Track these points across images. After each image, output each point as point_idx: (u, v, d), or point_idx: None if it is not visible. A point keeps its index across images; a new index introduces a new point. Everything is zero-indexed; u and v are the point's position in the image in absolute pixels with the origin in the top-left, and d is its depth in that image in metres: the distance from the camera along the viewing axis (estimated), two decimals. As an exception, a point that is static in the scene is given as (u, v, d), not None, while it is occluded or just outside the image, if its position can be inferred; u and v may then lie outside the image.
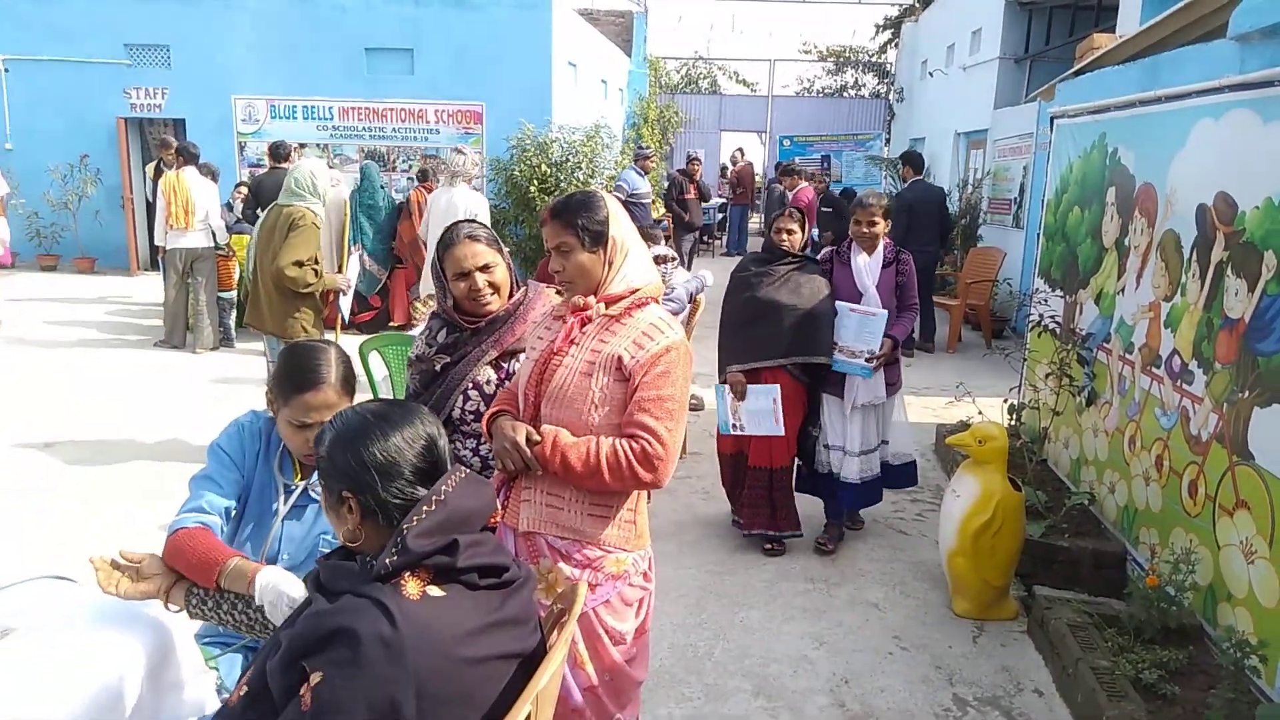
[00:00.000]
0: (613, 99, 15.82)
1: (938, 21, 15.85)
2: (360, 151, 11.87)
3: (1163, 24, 4.20)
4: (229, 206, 8.93)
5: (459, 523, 1.44)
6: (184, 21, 11.79)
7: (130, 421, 5.76)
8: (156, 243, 7.86)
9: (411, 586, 1.38)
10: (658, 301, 2.02)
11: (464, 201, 6.52)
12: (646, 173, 10.51)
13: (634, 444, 1.89)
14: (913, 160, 9.28)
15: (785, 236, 4.12)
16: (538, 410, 1.99)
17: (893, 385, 4.24)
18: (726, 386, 4.02)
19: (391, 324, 8.76)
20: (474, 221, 2.36)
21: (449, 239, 2.31)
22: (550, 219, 1.96)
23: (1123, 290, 4.28)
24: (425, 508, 1.42)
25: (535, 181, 10.76)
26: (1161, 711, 2.84)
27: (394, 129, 11.83)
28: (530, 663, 1.50)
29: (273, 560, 2.10)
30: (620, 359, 1.93)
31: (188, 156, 7.81)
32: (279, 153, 8.25)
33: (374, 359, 4.24)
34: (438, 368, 2.35)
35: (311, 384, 1.98)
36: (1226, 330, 3.25)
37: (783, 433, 3.95)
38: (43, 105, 11.94)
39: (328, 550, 2.03)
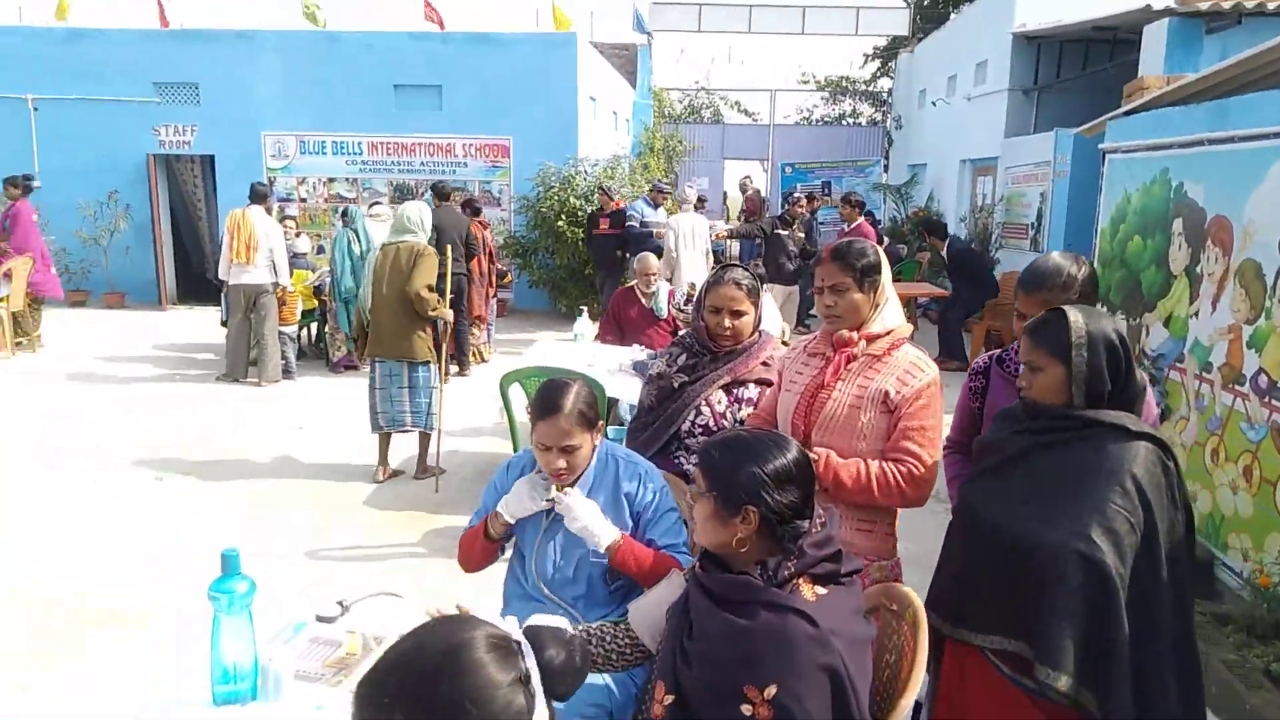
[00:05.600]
0: (621, 130, 16.22)
1: (936, 53, 16.42)
2: (389, 185, 12.13)
3: (1226, 70, 4.58)
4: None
5: (835, 535, 1.71)
6: (213, 60, 12.03)
7: (223, 452, 5.94)
8: (221, 277, 8.00)
9: (806, 591, 1.64)
10: (910, 341, 2.31)
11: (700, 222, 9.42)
12: (659, 205, 10.81)
13: (900, 467, 2.18)
14: (938, 229, 9.76)
15: (1030, 376, 2.01)
16: (807, 438, 2.26)
17: None
18: None
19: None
20: (747, 269, 2.68)
21: (718, 277, 2.67)
22: (831, 260, 2.26)
23: (1196, 314, 4.63)
24: (812, 526, 1.68)
25: (564, 215, 11.06)
26: (1296, 699, 3.13)
27: (422, 163, 12.11)
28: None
29: (543, 572, 2.35)
30: (887, 394, 2.21)
31: (254, 196, 8.00)
32: (442, 191, 8.38)
33: (514, 389, 4.49)
34: (675, 385, 2.65)
35: (550, 413, 2.23)
36: (1322, 351, 3.53)
37: None
38: (71, 143, 12.10)
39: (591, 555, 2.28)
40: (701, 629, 1.67)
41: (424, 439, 5.53)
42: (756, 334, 2.74)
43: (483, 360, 8.81)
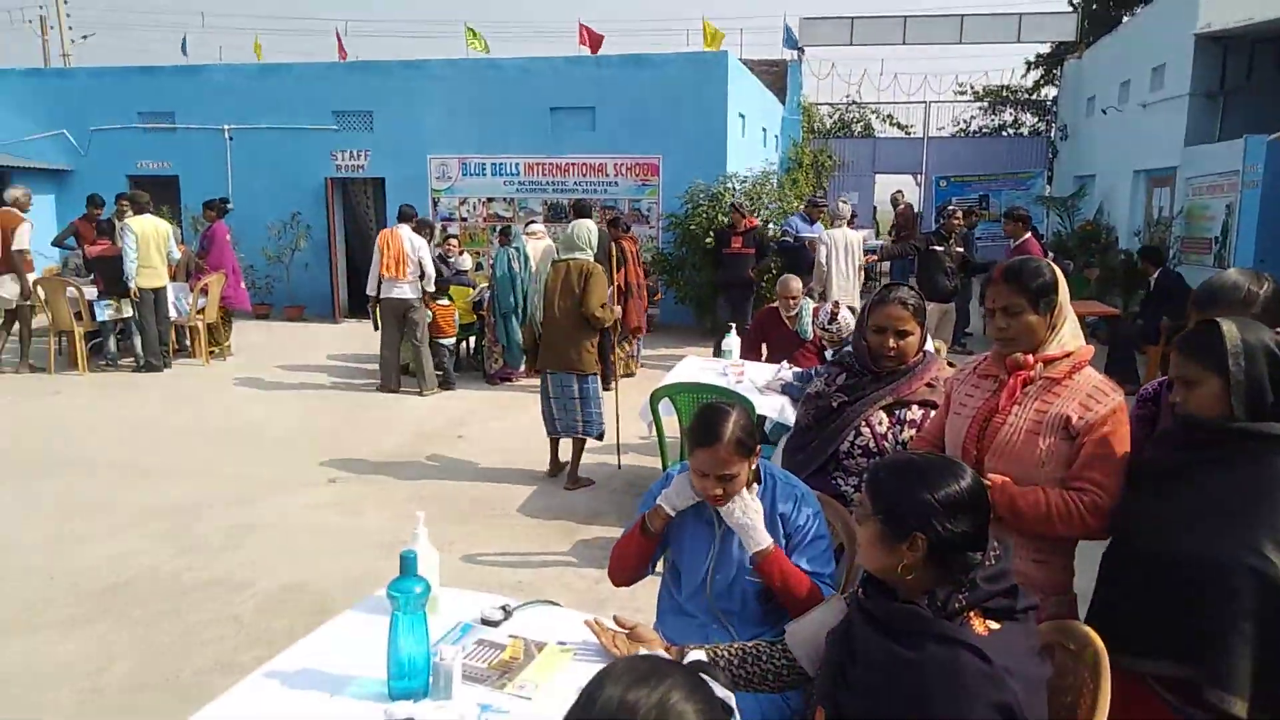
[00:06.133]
0: (769, 145, 16.16)
1: (1107, 58, 15.53)
2: (544, 205, 12.54)
3: None
4: (443, 258, 9.56)
5: (1010, 569, 1.63)
6: (385, 89, 12.83)
7: (387, 456, 6.30)
8: (370, 292, 8.43)
9: (977, 624, 1.58)
10: (1089, 364, 2.18)
11: (854, 237, 9.39)
12: (814, 220, 10.65)
13: (1084, 496, 2.05)
14: (1154, 254, 8.90)
15: (1184, 391, 1.93)
16: (979, 463, 2.18)
17: None
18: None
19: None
20: (912, 288, 2.63)
21: (883, 296, 2.62)
22: (1002, 280, 2.17)
23: None
24: (986, 560, 1.61)
25: (713, 233, 11.07)
26: None
27: (575, 182, 12.46)
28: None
29: (700, 584, 2.36)
30: (1069, 419, 2.09)
31: (402, 216, 8.43)
32: (583, 209, 8.48)
33: (663, 405, 4.55)
34: (834, 404, 2.61)
35: (709, 442, 2.23)
36: None
37: None
38: (260, 169, 13.18)
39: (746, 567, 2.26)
40: (865, 657, 1.63)
41: (578, 449, 5.72)
42: (921, 354, 2.67)
43: (628, 374, 8.94)
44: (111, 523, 5.03)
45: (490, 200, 12.82)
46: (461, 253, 9.81)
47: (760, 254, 9.59)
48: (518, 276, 8.20)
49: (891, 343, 2.60)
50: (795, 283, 6.08)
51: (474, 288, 9.43)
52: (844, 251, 9.24)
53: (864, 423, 2.62)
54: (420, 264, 8.20)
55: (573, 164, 12.42)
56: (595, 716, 1.09)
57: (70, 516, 5.12)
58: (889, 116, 21.62)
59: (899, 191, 16.39)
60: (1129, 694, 1.87)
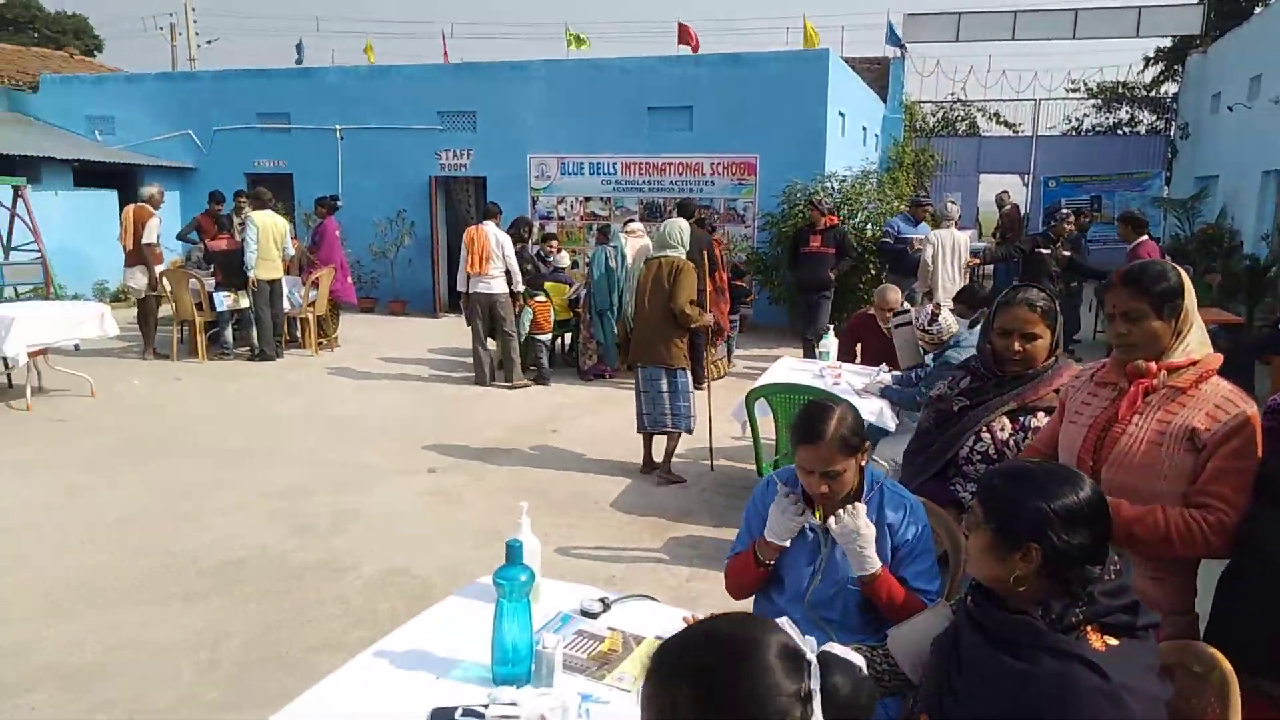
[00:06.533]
0: (869, 144, 15.86)
1: (1235, 52, 14.68)
2: (640, 204, 12.61)
3: None
4: (540, 256, 9.73)
5: (1130, 584, 1.57)
6: (488, 90, 13.12)
7: (481, 444, 6.44)
8: (459, 289, 8.57)
9: (1094, 640, 1.52)
10: (1216, 373, 2.08)
11: (961, 238, 9.20)
12: (919, 220, 10.37)
13: (1209, 515, 1.95)
14: None
15: None
16: (1096, 475, 2.09)
17: None
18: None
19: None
20: (1043, 289, 2.57)
21: (1010, 297, 2.57)
22: (1123, 285, 2.08)
23: None
24: (1105, 574, 1.55)
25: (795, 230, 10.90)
26: None
27: (671, 181, 12.49)
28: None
29: (801, 592, 2.33)
30: (1195, 430, 1.99)
31: (486, 214, 8.57)
32: (688, 209, 8.40)
33: (758, 405, 4.53)
34: (955, 408, 2.56)
35: (812, 440, 2.20)
36: None
37: None
38: (368, 167, 13.65)
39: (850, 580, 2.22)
40: (973, 666, 1.59)
41: (669, 444, 5.75)
42: (1052, 359, 2.59)
43: (718, 376, 8.89)
44: (226, 503, 5.29)
45: (587, 199, 12.96)
46: (559, 250, 9.95)
47: (841, 253, 9.01)
48: (614, 274, 8.28)
49: (1017, 346, 2.54)
50: (894, 294, 5.93)
51: (571, 285, 9.56)
52: (950, 252, 9.01)
53: (985, 428, 2.56)
54: (505, 259, 8.33)
55: (669, 163, 12.45)
56: (684, 633, 1.14)
57: (188, 496, 5.41)
58: (995, 114, 20.96)
59: (1005, 192, 15.86)
60: (1253, 714, 1.78)
